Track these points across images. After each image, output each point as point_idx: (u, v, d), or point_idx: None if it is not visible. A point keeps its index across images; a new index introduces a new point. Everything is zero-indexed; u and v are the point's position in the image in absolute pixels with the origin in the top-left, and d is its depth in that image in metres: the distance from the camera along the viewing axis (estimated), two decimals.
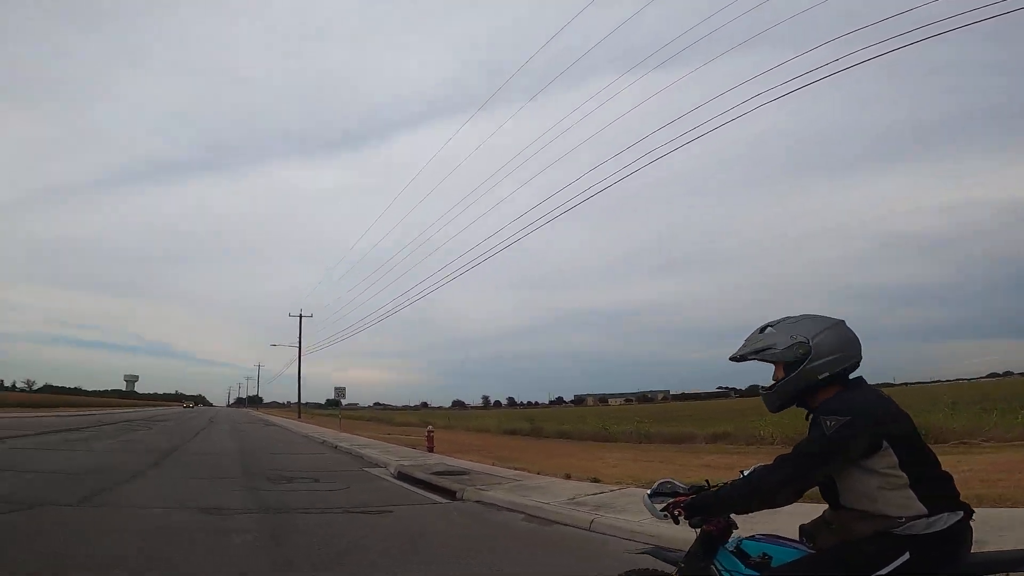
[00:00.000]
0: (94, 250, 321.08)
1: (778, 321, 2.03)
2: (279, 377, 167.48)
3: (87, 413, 45.80)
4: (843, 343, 1.92)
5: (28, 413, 38.67)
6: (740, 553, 2.07)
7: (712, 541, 2.11)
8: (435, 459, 14.53)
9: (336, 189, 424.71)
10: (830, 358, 1.88)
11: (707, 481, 2.22)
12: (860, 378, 1.97)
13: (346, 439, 22.69)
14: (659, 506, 2.15)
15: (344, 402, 30.45)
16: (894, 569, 1.70)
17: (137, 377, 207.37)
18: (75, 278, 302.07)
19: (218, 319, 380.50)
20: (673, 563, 2.25)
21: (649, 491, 2.24)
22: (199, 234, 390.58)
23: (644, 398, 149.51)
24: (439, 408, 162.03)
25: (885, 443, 1.74)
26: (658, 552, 2.44)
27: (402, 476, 11.61)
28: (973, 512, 1.82)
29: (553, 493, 8.71)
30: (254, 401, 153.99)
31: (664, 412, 46.33)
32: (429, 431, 17.35)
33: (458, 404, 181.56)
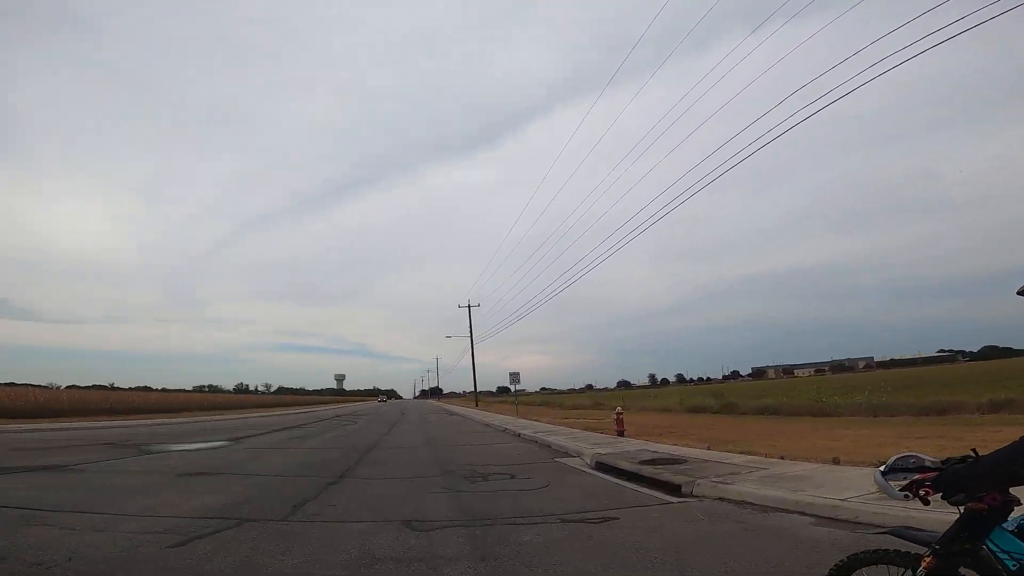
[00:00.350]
0: (298, 266, 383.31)
1: None
2: (455, 369, 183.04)
3: (307, 411, 53.45)
4: None
5: (265, 413, 46.18)
6: None
7: (981, 521, 1.71)
8: (633, 445, 12.81)
9: (485, 183, 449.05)
10: None
11: (974, 451, 1.75)
12: None
13: (526, 426, 22.18)
14: (897, 484, 1.82)
15: (516, 387, 30.31)
16: None
17: (344, 375, 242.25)
18: (289, 292, 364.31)
19: (402, 318, 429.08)
20: (924, 543, 1.87)
21: (883, 467, 1.89)
22: (375, 243, 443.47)
23: (840, 367, 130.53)
24: (604, 389, 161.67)
25: None
26: (905, 532, 2.05)
27: (602, 467, 10.12)
28: None
29: (834, 485, 6.38)
30: (435, 392, 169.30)
31: (875, 381, 38.61)
32: (618, 413, 15.67)
33: (624, 384, 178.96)
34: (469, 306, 59.30)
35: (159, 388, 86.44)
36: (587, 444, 13.43)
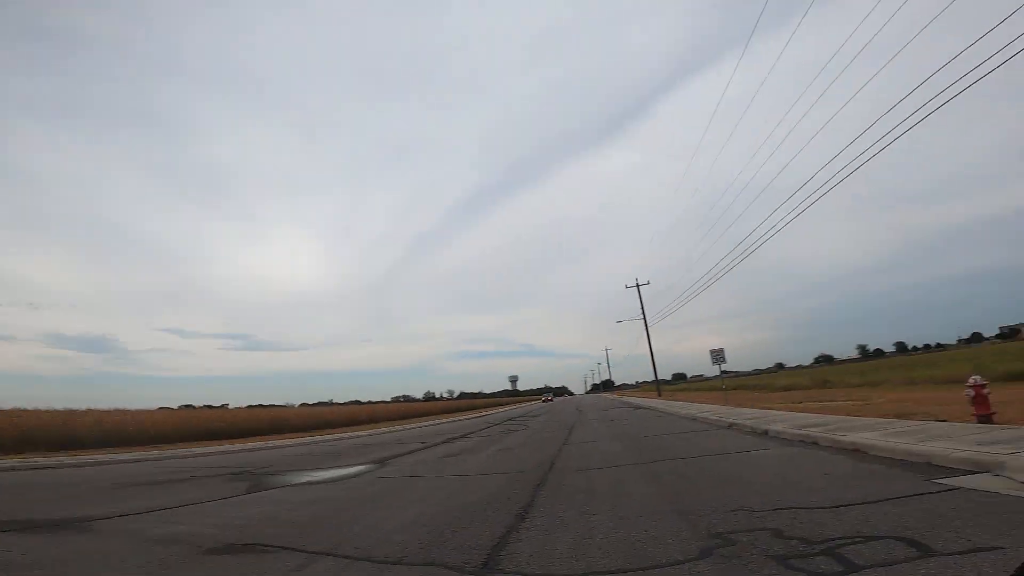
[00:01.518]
0: (464, 276, 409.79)
1: None
2: (627, 358, 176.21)
3: (482, 415, 51.97)
4: None
5: (441, 420, 45.40)
6: None
7: None
8: None
9: (629, 166, 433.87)
10: None
11: None
12: None
13: (760, 417, 15.54)
14: None
15: (722, 367, 23.26)
16: None
17: (517, 376, 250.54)
18: (460, 303, 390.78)
19: (567, 315, 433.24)
20: None
21: None
22: (532, 244, 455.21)
23: None
24: (798, 366, 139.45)
25: None
26: None
27: None
28: None
29: None
30: (607, 385, 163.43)
31: None
32: (976, 384, 8.62)
33: (824, 359, 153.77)
34: (638, 285, 52.94)
35: (366, 401, 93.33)
36: (949, 443, 6.85)
